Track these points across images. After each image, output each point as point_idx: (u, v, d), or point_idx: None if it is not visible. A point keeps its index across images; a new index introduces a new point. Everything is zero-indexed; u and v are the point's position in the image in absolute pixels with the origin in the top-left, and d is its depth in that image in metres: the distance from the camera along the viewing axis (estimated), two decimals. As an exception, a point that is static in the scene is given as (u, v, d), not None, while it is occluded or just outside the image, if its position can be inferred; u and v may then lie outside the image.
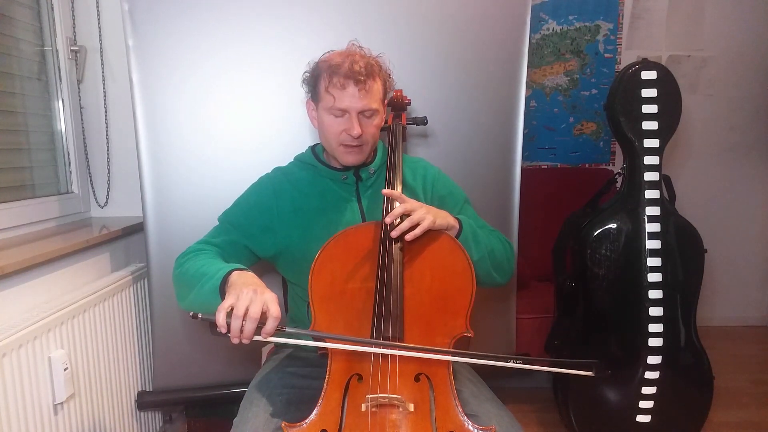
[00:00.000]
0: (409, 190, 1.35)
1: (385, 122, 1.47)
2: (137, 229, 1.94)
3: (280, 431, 1.06)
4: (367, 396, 1.03)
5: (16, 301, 1.43)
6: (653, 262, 1.89)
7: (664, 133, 1.91)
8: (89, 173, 2.09)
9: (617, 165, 3.19)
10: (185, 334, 1.79)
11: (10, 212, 1.67)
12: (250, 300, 0.98)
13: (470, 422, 1.04)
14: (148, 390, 1.90)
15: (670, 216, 1.92)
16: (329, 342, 1.07)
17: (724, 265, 3.25)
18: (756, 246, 3.33)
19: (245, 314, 0.96)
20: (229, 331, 0.97)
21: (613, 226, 1.92)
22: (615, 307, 1.93)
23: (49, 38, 1.93)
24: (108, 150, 2.08)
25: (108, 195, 2.11)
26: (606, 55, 3.13)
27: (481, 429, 1.03)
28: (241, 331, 0.97)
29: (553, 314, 2.28)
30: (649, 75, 1.89)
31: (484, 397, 1.21)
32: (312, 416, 1.04)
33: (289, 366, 1.33)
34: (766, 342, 3.17)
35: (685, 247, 1.92)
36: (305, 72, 1.32)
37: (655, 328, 1.88)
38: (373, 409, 1.03)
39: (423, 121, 1.56)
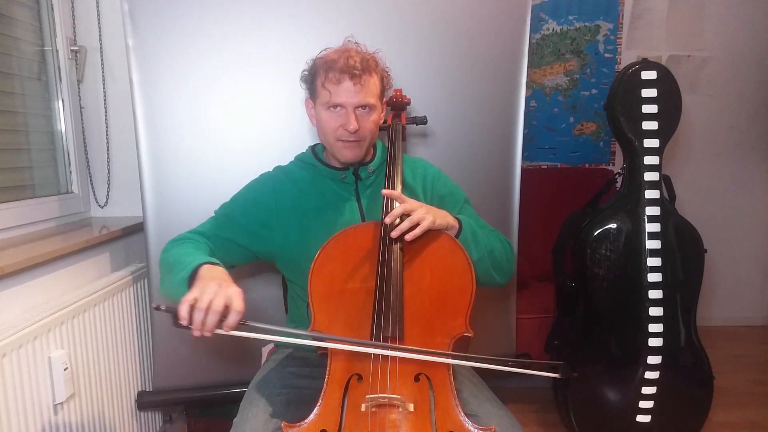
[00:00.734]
0: (408, 190, 1.35)
1: (385, 122, 1.47)
2: (137, 229, 1.94)
3: (279, 431, 1.06)
4: (366, 396, 1.03)
5: (16, 301, 1.43)
6: (653, 262, 1.89)
7: (664, 133, 1.91)
8: (89, 173, 2.09)
9: (617, 165, 3.19)
10: (185, 334, 1.78)
11: (10, 212, 1.67)
12: (214, 293, 0.99)
13: (470, 422, 1.04)
14: (148, 390, 1.90)
15: (670, 216, 1.92)
16: (277, 336, 1.05)
17: (724, 265, 3.25)
18: (756, 246, 3.33)
19: (208, 307, 0.97)
20: (191, 323, 0.97)
21: (613, 226, 1.92)
22: (615, 307, 1.93)
23: (49, 38, 1.93)
24: (108, 150, 2.08)
25: (108, 195, 2.11)
26: (606, 55, 3.13)
27: (481, 429, 1.03)
28: (204, 324, 0.97)
29: (553, 314, 2.28)
30: (649, 75, 1.89)
31: (484, 397, 1.21)
32: (312, 416, 1.04)
33: (289, 366, 1.33)
34: (766, 342, 3.17)
35: (685, 247, 1.92)
36: (303, 70, 1.32)
37: (655, 328, 1.88)
38: (373, 409, 1.03)
39: (423, 121, 1.56)
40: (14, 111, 1.80)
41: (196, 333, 0.98)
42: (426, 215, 1.13)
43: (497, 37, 1.77)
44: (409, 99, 1.54)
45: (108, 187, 2.10)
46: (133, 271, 1.88)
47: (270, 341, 0.99)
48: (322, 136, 1.32)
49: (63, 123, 1.99)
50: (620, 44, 3.12)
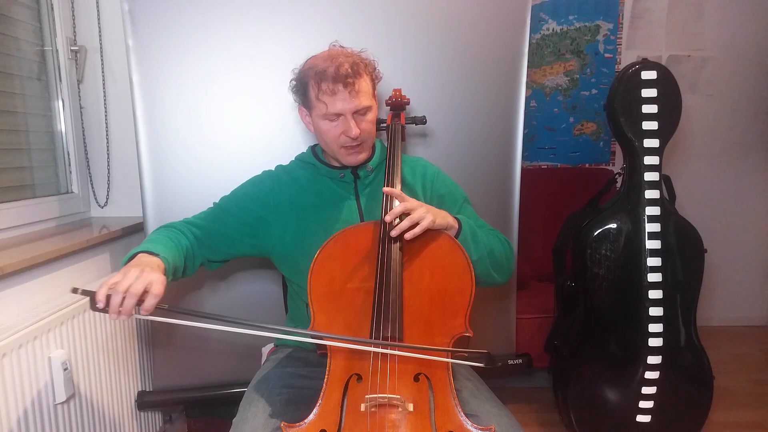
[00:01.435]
0: (408, 189, 1.35)
1: (384, 121, 1.47)
2: (137, 229, 1.94)
3: (279, 431, 1.06)
4: (366, 396, 1.03)
5: (16, 301, 1.43)
6: (653, 262, 1.89)
7: (664, 133, 1.91)
8: (89, 173, 2.09)
9: (617, 165, 3.19)
10: (185, 334, 1.79)
11: (10, 212, 1.67)
12: (135, 278, 1.00)
13: (470, 422, 1.04)
14: (148, 390, 1.90)
15: (670, 216, 1.92)
16: (221, 324, 1.01)
17: (724, 265, 3.25)
18: (756, 246, 3.32)
19: (126, 290, 0.98)
20: (107, 305, 0.98)
21: (613, 226, 1.92)
22: (615, 307, 1.93)
23: (49, 38, 1.93)
24: (108, 150, 2.08)
25: (108, 195, 2.11)
26: (606, 55, 3.13)
27: (480, 429, 1.03)
28: (121, 307, 0.98)
29: (553, 314, 2.28)
30: (649, 75, 1.89)
31: (483, 396, 1.21)
32: (311, 416, 1.04)
33: (289, 366, 1.33)
34: (766, 342, 3.17)
35: (685, 247, 1.92)
36: (291, 80, 1.31)
37: (655, 328, 1.88)
38: (373, 409, 1.03)
39: (422, 121, 1.56)
40: (14, 111, 1.80)
41: (113, 316, 0.99)
42: (426, 214, 1.13)
43: (497, 37, 1.77)
44: (408, 99, 1.54)
45: (108, 187, 2.10)
46: (133, 271, 1.87)
47: (203, 328, 0.97)
48: (325, 144, 1.32)
49: (63, 123, 1.99)
50: (620, 44, 3.12)
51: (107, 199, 2.11)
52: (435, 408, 1.05)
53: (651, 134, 1.90)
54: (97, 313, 1.62)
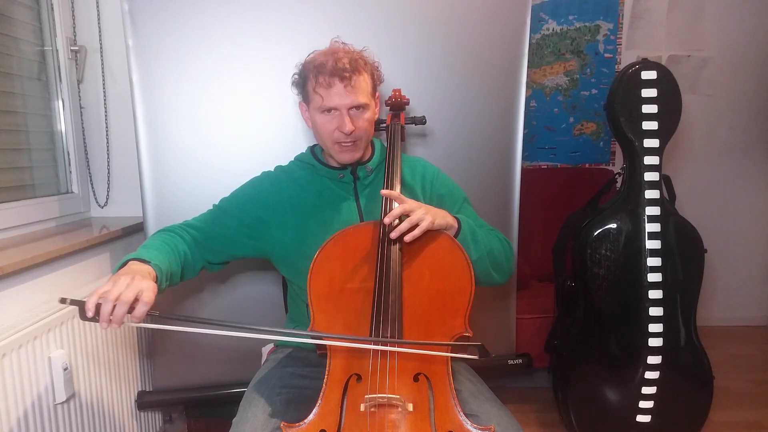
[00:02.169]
0: (407, 189, 1.35)
1: (383, 121, 1.47)
2: (137, 229, 1.94)
3: (279, 431, 1.06)
4: (366, 396, 1.04)
5: (16, 301, 1.43)
6: (653, 262, 1.89)
7: (664, 133, 1.91)
8: (89, 173, 2.09)
9: (617, 165, 3.19)
10: (185, 335, 1.78)
11: (10, 212, 1.67)
12: (125, 285, 0.99)
13: (469, 422, 1.04)
14: (148, 390, 1.90)
15: (670, 216, 1.92)
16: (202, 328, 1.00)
17: (724, 265, 3.25)
18: (756, 246, 3.32)
19: (117, 298, 0.97)
20: (97, 315, 0.97)
21: (613, 226, 1.92)
22: (615, 307, 1.93)
23: (49, 38, 1.93)
24: (108, 150, 2.08)
25: (108, 195, 2.11)
26: (606, 55, 3.13)
27: (480, 429, 1.03)
28: (112, 315, 0.97)
29: (553, 314, 2.28)
30: (649, 75, 1.89)
31: (483, 396, 1.21)
32: (311, 416, 1.04)
33: (289, 366, 1.33)
34: (766, 342, 3.17)
35: (685, 247, 1.92)
36: (294, 74, 1.32)
37: (655, 328, 1.88)
38: (372, 409, 1.03)
39: (422, 121, 1.56)
40: (14, 111, 1.80)
41: (104, 325, 0.97)
42: (425, 216, 1.13)
43: (497, 37, 1.77)
44: (408, 99, 1.54)
45: (108, 187, 2.10)
46: (133, 271, 1.87)
47: (196, 333, 0.96)
48: (320, 139, 1.32)
49: (63, 123, 1.99)
50: (620, 44, 3.12)
51: (107, 199, 2.11)
52: (435, 408, 1.05)
53: (651, 134, 1.90)
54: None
